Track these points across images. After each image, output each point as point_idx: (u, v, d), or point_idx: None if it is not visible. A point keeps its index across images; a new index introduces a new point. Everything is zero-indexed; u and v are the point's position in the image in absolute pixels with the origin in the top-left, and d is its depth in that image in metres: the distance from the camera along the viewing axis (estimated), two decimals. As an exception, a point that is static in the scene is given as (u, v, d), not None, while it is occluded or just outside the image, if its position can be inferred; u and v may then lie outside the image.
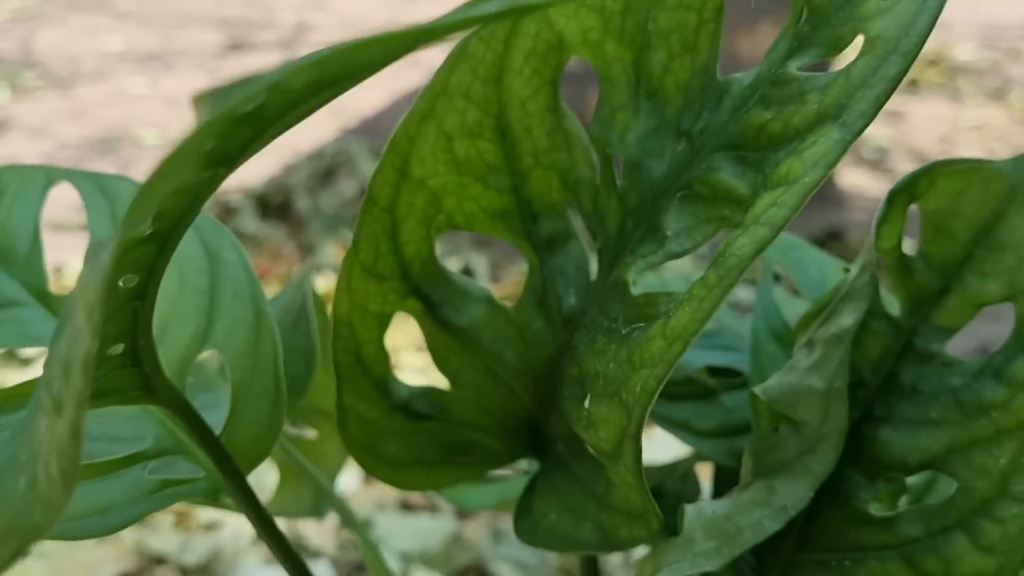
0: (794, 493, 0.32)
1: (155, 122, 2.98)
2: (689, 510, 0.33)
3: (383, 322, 0.38)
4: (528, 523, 0.38)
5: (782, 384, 0.32)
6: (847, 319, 0.31)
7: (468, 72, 0.36)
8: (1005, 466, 0.32)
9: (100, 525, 0.31)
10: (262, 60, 3.74)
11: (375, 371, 0.39)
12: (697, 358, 0.45)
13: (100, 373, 0.29)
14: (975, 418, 0.32)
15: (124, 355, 0.30)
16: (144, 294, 0.28)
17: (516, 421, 0.40)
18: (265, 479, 0.63)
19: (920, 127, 2.99)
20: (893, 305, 0.35)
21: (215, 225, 0.37)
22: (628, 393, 0.30)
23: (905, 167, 2.58)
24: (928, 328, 0.34)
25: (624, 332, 0.33)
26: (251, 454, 0.35)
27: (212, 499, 0.34)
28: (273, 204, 2.33)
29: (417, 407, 0.40)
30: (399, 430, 0.40)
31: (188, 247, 0.36)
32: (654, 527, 0.33)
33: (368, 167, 2.65)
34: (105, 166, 2.67)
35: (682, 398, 0.44)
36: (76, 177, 0.39)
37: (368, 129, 3.14)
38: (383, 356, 0.39)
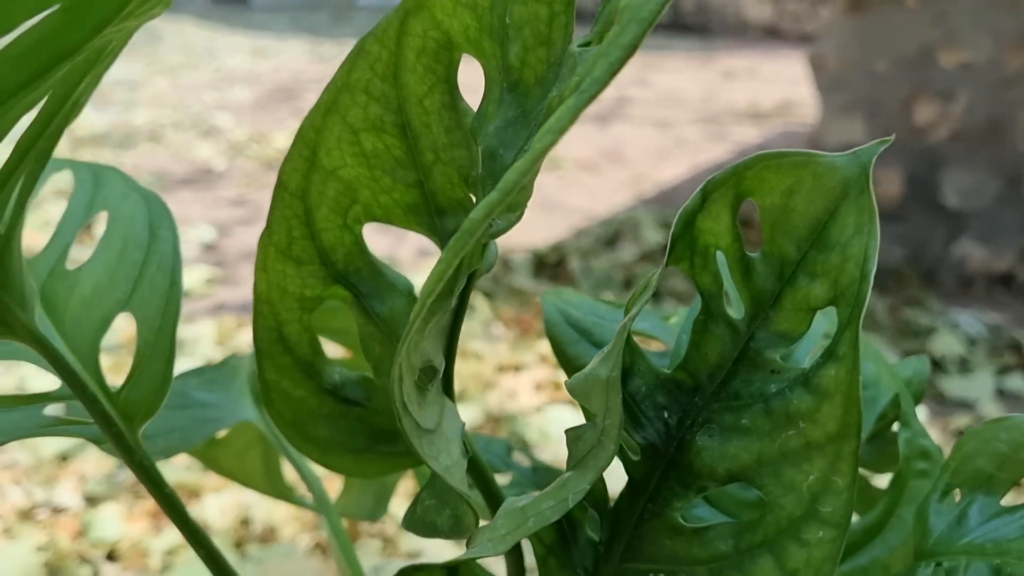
0: (577, 485, 0.31)
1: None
2: (506, 502, 0.33)
3: (305, 304, 0.41)
4: (412, 509, 0.39)
5: (580, 374, 0.31)
6: (636, 308, 0.30)
7: (367, 69, 0.38)
8: (814, 484, 0.29)
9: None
10: (574, 132, 3.88)
11: (299, 351, 0.41)
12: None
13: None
14: (783, 428, 0.30)
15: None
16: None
17: (427, 414, 0.41)
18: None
19: None
20: (740, 308, 0.33)
21: (162, 207, 0.41)
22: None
23: None
24: (765, 334, 0.32)
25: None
26: (145, 406, 0.38)
27: (100, 442, 0.38)
28: (548, 264, 2.41)
29: (347, 393, 0.42)
30: (328, 413, 0.42)
31: (137, 226, 0.41)
32: (469, 520, 0.34)
33: (652, 235, 2.68)
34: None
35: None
36: (75, 166, 0.45)
37: (663, 199, 3.17)
38: (308, 337, 0.41)
